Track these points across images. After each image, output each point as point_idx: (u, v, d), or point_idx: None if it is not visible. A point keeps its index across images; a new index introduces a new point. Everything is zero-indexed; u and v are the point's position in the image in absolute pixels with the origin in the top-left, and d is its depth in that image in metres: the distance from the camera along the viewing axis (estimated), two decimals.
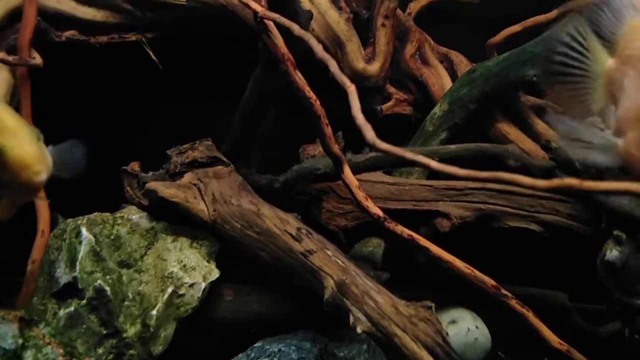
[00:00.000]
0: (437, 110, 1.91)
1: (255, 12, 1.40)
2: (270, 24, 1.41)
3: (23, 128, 1.02)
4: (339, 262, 1.38)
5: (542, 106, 1.97)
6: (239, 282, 1.74)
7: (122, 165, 1.85)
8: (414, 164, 0.89)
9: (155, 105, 2.13)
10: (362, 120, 0.96)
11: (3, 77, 1.57)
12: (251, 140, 2.05)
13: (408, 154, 0.92)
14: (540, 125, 1.89)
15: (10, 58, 1.47)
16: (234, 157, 1.85)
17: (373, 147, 0.94)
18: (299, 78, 1.44)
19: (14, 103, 1.61)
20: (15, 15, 1.66)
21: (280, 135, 2.08)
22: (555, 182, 0.85)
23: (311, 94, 1.45)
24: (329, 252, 1.41)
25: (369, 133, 0.95)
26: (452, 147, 1.52)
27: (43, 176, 1.00)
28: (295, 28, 1.28)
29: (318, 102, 1.47)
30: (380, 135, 1.74)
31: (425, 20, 2.21)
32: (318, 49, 1.16)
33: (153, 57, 1.95)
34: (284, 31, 1.44)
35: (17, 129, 1.01)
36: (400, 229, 1.45)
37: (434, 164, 0.86)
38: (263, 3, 1.44)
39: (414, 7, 2.22)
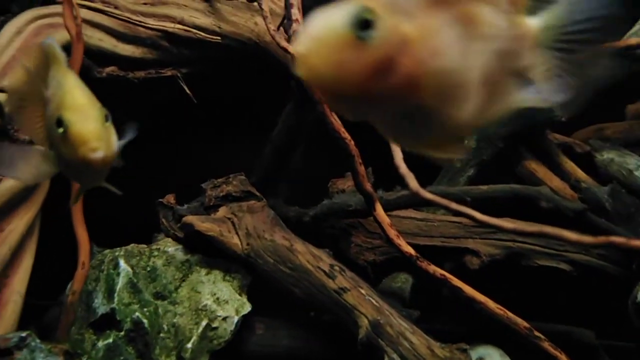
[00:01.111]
0: None
1: (293, 56, 1.45)
2: None
3: (92, 107, 1.00)
4: (373, 301, 1.40)
5: (569, 144, 1.99)
6: (267, 314, 1.77)
7: (154, 196, 1.91)
8: (459, 213, 0.91)
9: (189, 138, 2.19)
10: (404, 169, 1.00)
11: None
12: (280, 173, 2.10)
13: (453, 205, 0.95)
14: (568, 164, 1.90)
15: None
16: (263, 188, 1.89)
17: (417, 196, 0.97)
18: (335, 119, 1.48)
19: None
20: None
21: (308, 168, 2.13)
22: (601, 239, 0.87)
23: (346, 135, 1.49)
24: (362, 291, 1.43)
25: (413, 182, 0.99)
26: (485, 187, 1.55)
27: (100, 154, 0.95)
28: None
29: (352, 142, 1.51)
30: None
31: None
32: None
33: (187, 91, 2.02)
34: None
35: (86, 106, 0.99)
36: (432, 268, 1.47)
37: (479, 215, 0.89)
38: None
39: None
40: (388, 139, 0.72)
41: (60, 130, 0.96)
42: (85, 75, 1.71)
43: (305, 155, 2.14)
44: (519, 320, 1.42)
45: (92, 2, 1.78)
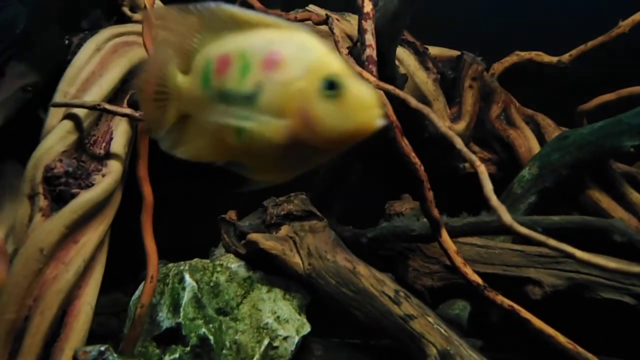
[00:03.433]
0: (525, 173, 1.92)
1: (368, 82, 1.46)
2: (381, 92, 1.47)
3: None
4: (442, 330, 1.39)
5: (633, 174, 1.95)
6: (324, 335, 1.77)
7: (210, 210, 1.94)
8: (555, 249, 0.90)
9: None
10: (496, 202, 0.99)
11: (123, 129, 1.69)
12: (335, 192, 2.11)
13: (551, 242, 0.93)
14: (633, 195, 1.87)
15: (137, 114, 1.59)
16: (317, 206, 1.90)
17: (511, 230, 0.96)
18: (406, 144, 1.49)
19: (130, 153, 1.72)
20: (136, 70, 1.79)
21: (362, 188, 2.14)
22: None
23: (416, 160, 1.49)
24: (430, 319, 1.42)
25: (506, 216, 0.98)
26: (556, 218, 1.53)
27: (382, 121, 0.81)
28: (412, 101, 1.34)
29: (422, 167, 1.51)
30: (461, 192, 1.74)
31: (509, 80, 2.25)
32: (440, 124, 1.21)
33: None
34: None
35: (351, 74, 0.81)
36: (500, 298, 1.45)
37: (579, 253, 0.88)
38: (375, 73, 1.51)
39: (497, 68, 2.27)
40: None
41: (330, 93, 0.79)
42: None
43: (360, 174, 2.15)
44: (590, 355, 1.39)
45: None
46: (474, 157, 1.09)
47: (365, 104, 0.79)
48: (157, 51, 0.92)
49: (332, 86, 0.79)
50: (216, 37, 0.87)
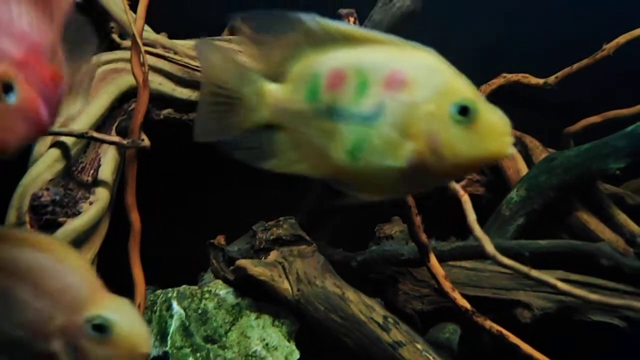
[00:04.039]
0: (514, 195, 1.93)
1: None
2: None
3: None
4: (430, 357, 1.39)
5: (620, 195, 1.97)
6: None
7: (199, 234, 1.94)
8: (538, 281, 0.90)
9: (237, 176, 2.23)
10: (479, 232, 1.00)
11: (111, 156, 1.69)
12: (325, 214, 2.11)
13: (534, 273, 0.94)
14: (621, 216, 1.88)
15: (124, 142, 1.59)
16: (307, 228, 1.90)
17: (494, 261, 0.97)
18: None
19: (117, 180, 1.72)
20: (124, 97, 1.80)
21: (351, 211, 2.14)
22: None
23: None
24: (419, 346, 1.41)
25: (489, 247, 0.99)
26: (543, 242, 1.53)
27: (513, 149, 0.79)
28: None
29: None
30: (451, 214, 1.75)
31: (496, 102, 2.27)
32: None
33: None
34: None
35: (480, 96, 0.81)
36: (489, 323, 1.45)
37: (560, 284, 0.88)
38: None
39: (485, 90, 2.29)
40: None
41: (461, 119, 0.75)
42: (145, 117, 1.77)
43: (349, 197, 2.15)
44: None
45: (153, 47, 1.84)
46: (457, 187, 1.10)
47: (498, 131, 0.76)
48: (226, 54, 0.86)
49: (464, 111, 0.76)
50: (318, 50, 0.83)
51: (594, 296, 0.78)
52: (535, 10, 2.23)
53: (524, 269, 0.97)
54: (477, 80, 2.27)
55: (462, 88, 0.78)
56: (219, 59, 0.86)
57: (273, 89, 0.85)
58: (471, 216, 1.00)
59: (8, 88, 0.72)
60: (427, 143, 0.76)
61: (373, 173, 0.80)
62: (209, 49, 0.85)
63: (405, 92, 0.77)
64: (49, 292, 0.81)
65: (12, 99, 0.73)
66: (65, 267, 0.83)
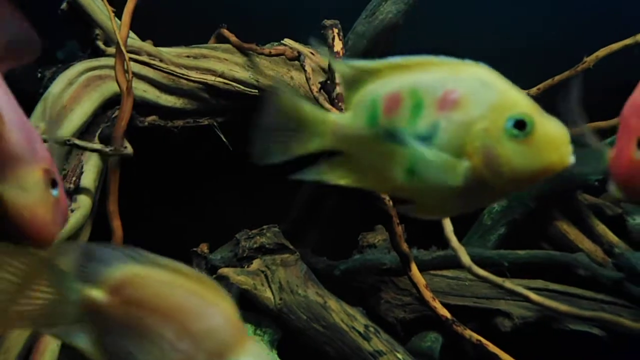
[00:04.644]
0: (495, 205, 1.95)
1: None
2: None
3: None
4: None
5: (599, 206, 2.00)
6: None
7: (184, 242, 1.94)
8: (512, 292, 0.92)
9: (221, 184, 2.23)
10: (456, 243, 1.02)
11: (93, 163, 1.68)
12: (310, 222, 2.12)
13: (507, 284, 0.95)
14: (600, 227, 1.91)
15: (107, 149, 1.59)
16: (292, 236, 1.91)
17: (469, 272, 0.98)
18: None
19: (100, 187, 1.71)
20: (108, 104, 1.80)
21: (336, 220, 2.15)
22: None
23: (385, 196, 1.51)
24: (399, 355, 1.43)
25: (465, 258, 1.00)
26: (522, 252, 1.56)
27: (572, 159, 0.76)
28: None
29: (391, 203, 1.53)
30: (433, 223, 1.76)
31: None
32: None
33: (224, 139, 2.07)
34: None
35: (538, 108, 0.78)
36: (468, 333, 1.46)
37: (533, 296, 0.90)
38: (344, 110, 1.54)
39: None
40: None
41: (517, 133, 0.75)
42: (129, 124, 1.77)
43: (334, 206, 2.17)
44: None
45: (138, 55, 1.85)
46: None
47: (556, 142, 0.75)
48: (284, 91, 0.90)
49: (520, 125, 0.75)
50: (376, 78, 0.86)
51: (564, 307, 0.80)
52: (520, 25, 2.28)
53: (498, 280, 0.98)
54: None
55: (516, 101, 0.78)
56: (286, 100, 0.89)
57: (337, 118, 0.89)
58: (448, 227, 1.02)
59: (54, 183, 0.81)
60: (482, 160, 0.77)
61: (430, 192, 0.81)
62: (275, 95, 0.89)
63: (458, 111, 0.78)
64: (194, 334, 0.79)
65: (55, 193, 0.82)
66: (213, 309, 0.81)
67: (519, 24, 2.28)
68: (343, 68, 0.88)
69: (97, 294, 0.78)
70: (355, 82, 0.87)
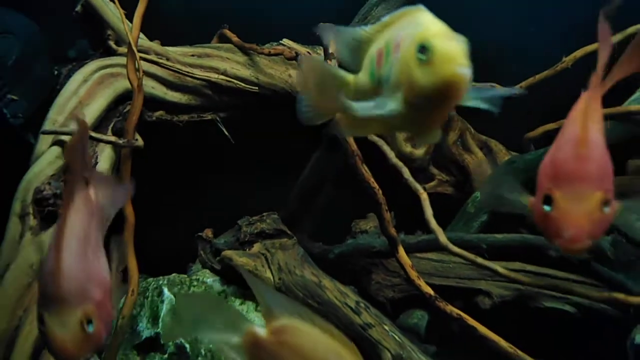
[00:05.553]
0: (478, 194, 2.10)
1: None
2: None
3: (453, 33, 0.89)
4: (396, 337, 1.55)
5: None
6: None
7: (188, 229, 2.08)
8: (482, 266, 1.06)
9: (224, 176, 2.37)
10: (434, 225, 1.16)
11: (107, 154, 1.82)
12: (306, 211, 2.27)
13: (479, 260, 1.10)
14: None
15: (120, 141, 1.73)
16: (289, 223, 2.06)
17: (446, 249, 1.13)
18: (365, 171, 1.66)
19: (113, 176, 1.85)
20: (120, 99, 1.94)
21: (332, 208, 2.30)
22: (605, 294, 1.03)
23: (375, 185, 1.66)
24: (386, 327, 1.58)
25: (442, 237, 1.15)
26: (499, 236, 1.71)
27: (466, 70, 0.84)
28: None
29: (380, 192, 1.68)
30: (420, 212, 1.90)
31: (465, 109, 2.45)
32: (391, 155, 1.39)
33: (226, 132, 2.21)
34: None
35: (448, 31, 0.88)
36: (450, 308, 1.61)
37: (501, 270, 1.05)
38: None
39: None
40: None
41: (422, 57, 0.86)
42: (139, 118, 1.91)
43: (329, 195, 2.31)
44: (528, 358, 1.56)
45: (147, 54, 1.98)
46: (418, 186, 1.27)
47: (451, 60, 0.83)
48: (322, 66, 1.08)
49: (424, 50, 0.85)
50: (373, 40, 1.01)
51: (527, 279, 0.94)
52: (503, 25, 2.42)
53: (471, 256, 1.14)
54: None
55: (427, 33, 0.88)
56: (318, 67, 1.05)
57: (354, 77, 1.06)
58: (428, 211, 1.17)
59: (89, 322, 0.99)
60: (407, 88, 0.90)
61: (395, 122, 0.98)
62: (309, 61, 1.07)
63: (398, 52, 0.92)
64: None
65: (90, 330, 0.99)
66: None
67: (503, 24, 2.41)
68: (349, 40, 1.03)
69: (261, 330, 0.94)
70: (360, 48, 1.03)
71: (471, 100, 0.95)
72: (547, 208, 0.99)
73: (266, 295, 0.97)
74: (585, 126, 1.01)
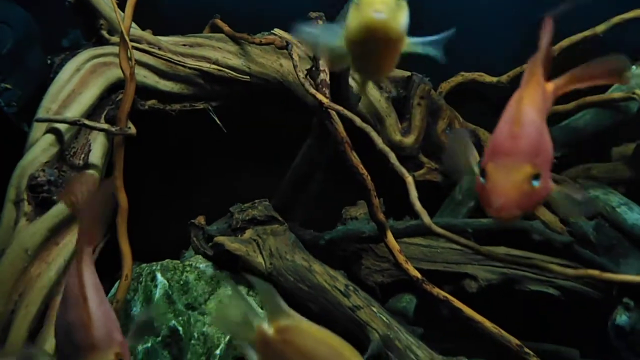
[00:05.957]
0: (465, 182, 2.15)
1: (320, 102, 1.67)
2: (333, 112, 1.68)
3: None
4: (384, 318, 1.59)
5: (558, 181, 2.20)
6: None
7: (182, 216, 2.11)
8: (465, 246, 1.11)
9: (216, 165, 2.40)
10: (419, 207, 1.20)
11: (100, 142, 1.85)
12: (298, 199, 2.30)
13: (462, 240, 1.15)
14: None
15: (113, 129, 1.76)
16: (281, 211, 2.09)
17: (430, 231, 1.17)
18: (354, 157, 1.70)
19: (106, 163, 1.88)
20: (112, 88, 1.96)
21: (323, 195, 2.33)
22: (580, 272, 1.08)
23: (364, 171, 1.70)
24: (374, 309, 1.62)
25: (426, 218, 1.19)
26: (484, 220, 1.75)
27: (382, 16, 0.99)
28: (357, 120, 1.55)
29: (369, 178, 1.71)
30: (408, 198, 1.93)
31: (454, 98, 2.49)
32: (379, 141, 1.42)
33: (217, 121, 2.24)
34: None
35: None
36: (437, 290, 1.66)
37: (482, 249, 1.09)
38: (327, 95, 1.72)
39: (444, 87, 2.50)
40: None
41: (356, 2, 1.03)
42: (131, 107, 1.94)
43: (321, 183, 2.35)
44: (511, 338, 1.61)
45: (139, 43, 2.01)
46: (404, 170, 1.30)
47: (368, 3, 0.99)
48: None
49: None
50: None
51: (507, 257, 0.98)
52: (490, 17, 2.45)
53: (454, 237, 1.18)
54: (438, 77, 2.52)
55: None
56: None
57: (340, 44, 1.15)
58: (413, 193, 1.20)
59: None
60: (345, 28, 1.06)
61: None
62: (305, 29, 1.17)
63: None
64: None
65: None
66: None
67: (490, 16, 2.45)
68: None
69: (269, 329, 1.03)
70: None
71: (411, 47, 1.07)
72: (482, 180, 1.07)
73: (272, 297, 1.04)
74: (519, 107, 1.09)
